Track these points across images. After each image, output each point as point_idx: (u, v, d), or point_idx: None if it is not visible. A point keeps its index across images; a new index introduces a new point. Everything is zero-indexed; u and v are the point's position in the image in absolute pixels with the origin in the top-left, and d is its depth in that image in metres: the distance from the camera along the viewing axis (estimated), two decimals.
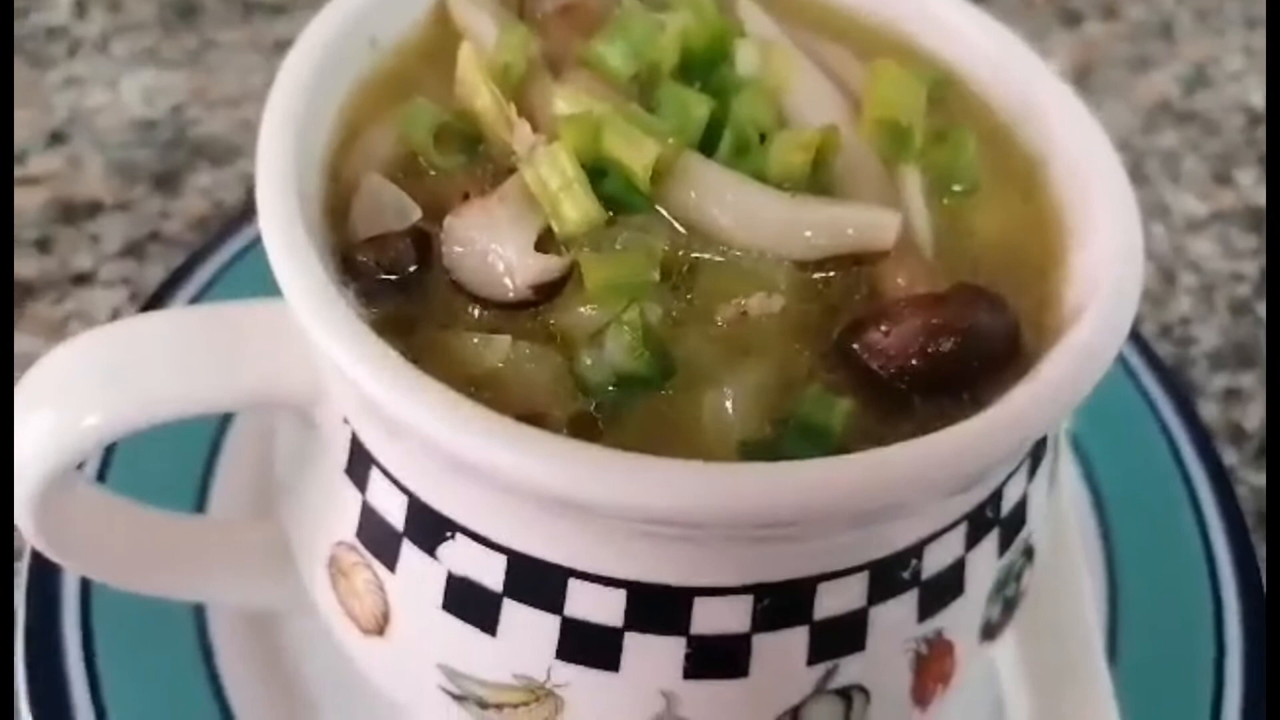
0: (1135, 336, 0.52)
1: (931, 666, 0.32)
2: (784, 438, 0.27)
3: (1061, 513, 0.41)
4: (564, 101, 0.30)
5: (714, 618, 0.28)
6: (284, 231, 0.27)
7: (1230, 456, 0.54)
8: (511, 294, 0.27)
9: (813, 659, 0.29)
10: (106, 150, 0.61)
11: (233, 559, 0.37)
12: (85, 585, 0.39)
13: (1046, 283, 0.31)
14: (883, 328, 0.28)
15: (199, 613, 0.40)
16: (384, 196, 0.29)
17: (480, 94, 0.31)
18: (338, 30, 0.33)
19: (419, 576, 0.30)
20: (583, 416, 0.27)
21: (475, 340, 0.27)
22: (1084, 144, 0.33)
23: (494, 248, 0.28)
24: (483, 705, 0.31)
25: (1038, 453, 0.32)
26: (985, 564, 0.31)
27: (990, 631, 0.34)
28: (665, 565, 0.27)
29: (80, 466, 0.36)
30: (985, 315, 0.28)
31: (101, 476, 0.41)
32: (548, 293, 0.28)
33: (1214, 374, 0.57)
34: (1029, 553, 0.34)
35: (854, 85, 0.34)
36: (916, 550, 0.29)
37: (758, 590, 0.28)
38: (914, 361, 0.28)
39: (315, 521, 0.33)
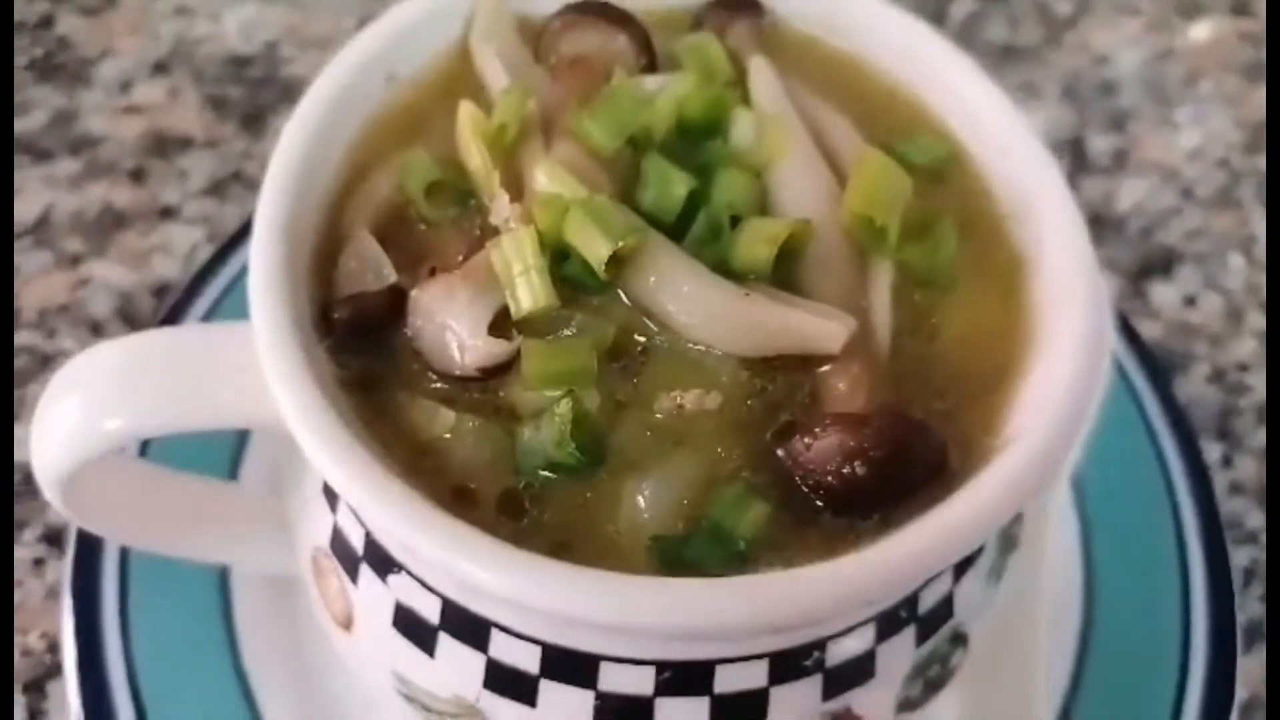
0: (1158, 376, 0.51)
1: None
2: (692, 538, 0.29)
3: (1029, 591, 0.41)
4: (544, 177, 0.31)
5: (620, 680, 0.31)
6: (265, 288, 0.30)
7: (1255, 519, 0.53)
8: (459, 370, 0.30)
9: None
10: (203, 84, 0.65)
11: (253, 527, 0.41)
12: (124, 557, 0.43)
13: (996, 395, 0.32)
14: (806, 439, 0.29)
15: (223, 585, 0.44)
16: (367, 254, 0.31)
17: (472, 155, 0.33)
18: (356, 67, 0.35)
19: (375, 595, 0.33)
20: (511, 494, 0.29)
21: (425, 407, 0.30)
22: (1071, 252, 0.33)
23: (450, 323, 0.30)
24: (427, 709, 0.35)
25: (972, 556, 0.33)
26: (900, 654, 0.33)
27: (910, 705, 0.35)
28: (575, 635, 0.30)
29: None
30: (906, 442, 0.29)
31: (143, 450, 0.45)
32: (493, 373, 0.30)
33: (1258, 429, 0.56)
34: (959, 639, 0.35)
35: (849, 162, 0.35)
36: (819, 645, 0.31)
37: (659, 664, 0.30)
38: (829, 478, 0.29)
39: (303, 522, 0.36)
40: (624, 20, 0.36)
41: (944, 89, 0.37)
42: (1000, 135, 0.35)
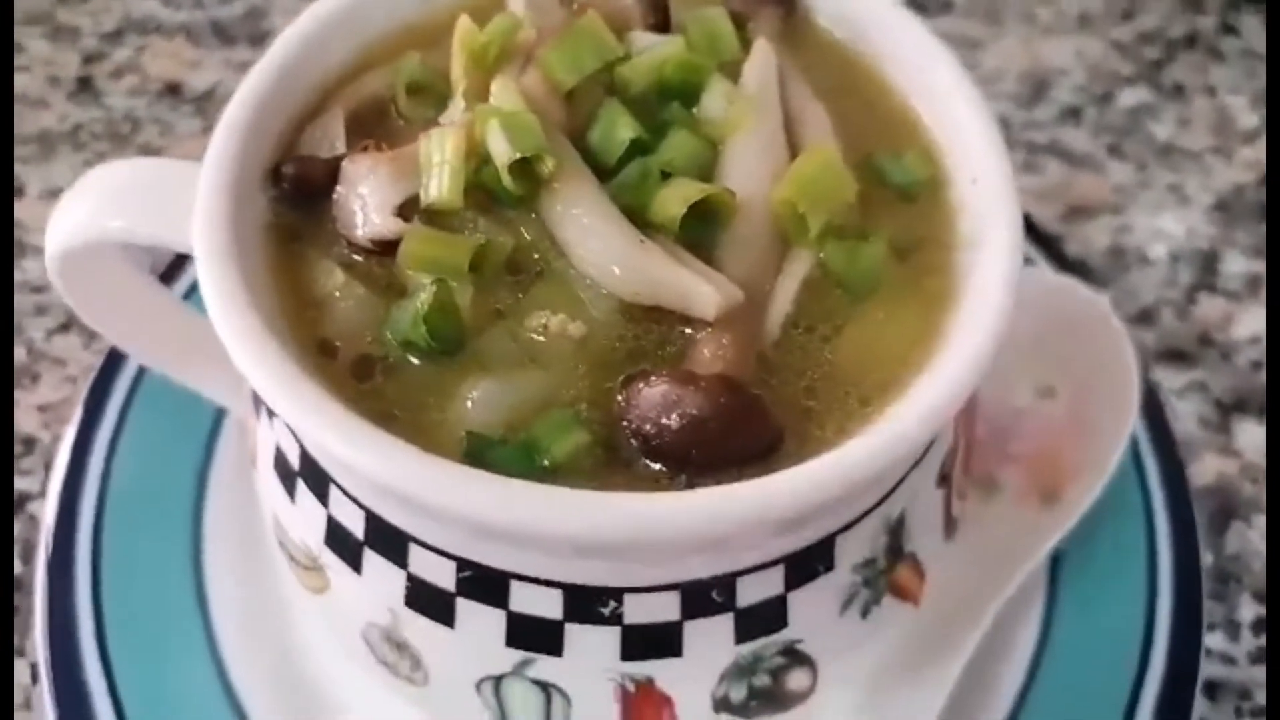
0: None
1: (644, 709, 0.34)
2: (504, 443, 0.30)
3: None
4: (495, 90, 0.33)
5: (424, 564, 0.32)
6: (227, 132, 0.33)
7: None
8: (358, 239, 0.32)
9: (510, 642, 0.33)
10: None
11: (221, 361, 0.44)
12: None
13: (869, 409, 0.31)
14: (640, 384, 0.29)
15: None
16: (331, 128, 0.34)
17: (455, 64, 0.35)
18: None
19: (309, 507, 0.35)
20: (366, 359, 0.31)
21: (325, 266, 0.32)
22: (993, 292, 0.31)
23: (364, 195, 0.32)
24: (291, 559, 0.37)
25: (806, 565, 0.32)
26: (712, 642, 0.32)
27: (732, 710, 0.35)
28: (389, 508, 0.31)
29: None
30: (732, 411, 0.29)
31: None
32: (387, 249, 0.32)
33: None
34: (800, 659, 0.34)
35: None
36: (618, 595, 0.31)
37: (460, 561, 0.31)
38: (646, 425, 0.29)
39: None
40: None
41: (951, 123, 0.36)
42: (975, 161, 0.34)
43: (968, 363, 0.30)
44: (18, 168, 0.63)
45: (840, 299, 0.33)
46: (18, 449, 0.52)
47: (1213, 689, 0.50)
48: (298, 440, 0.33)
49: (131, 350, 0.43)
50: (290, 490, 0.35)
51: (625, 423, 0.30)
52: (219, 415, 0.47)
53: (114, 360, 0.48)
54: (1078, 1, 0.73)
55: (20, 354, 0.56)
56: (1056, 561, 0.46)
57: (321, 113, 0.36)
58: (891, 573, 0.35)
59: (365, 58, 0.37)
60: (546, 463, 0.29)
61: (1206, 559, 0.52)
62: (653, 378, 0.29)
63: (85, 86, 0.67)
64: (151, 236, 0.36)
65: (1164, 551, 0.44)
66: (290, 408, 0.29)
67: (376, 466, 0.28)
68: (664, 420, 0.29)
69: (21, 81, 0.67)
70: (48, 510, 0.46)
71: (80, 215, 0.36)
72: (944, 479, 0.36)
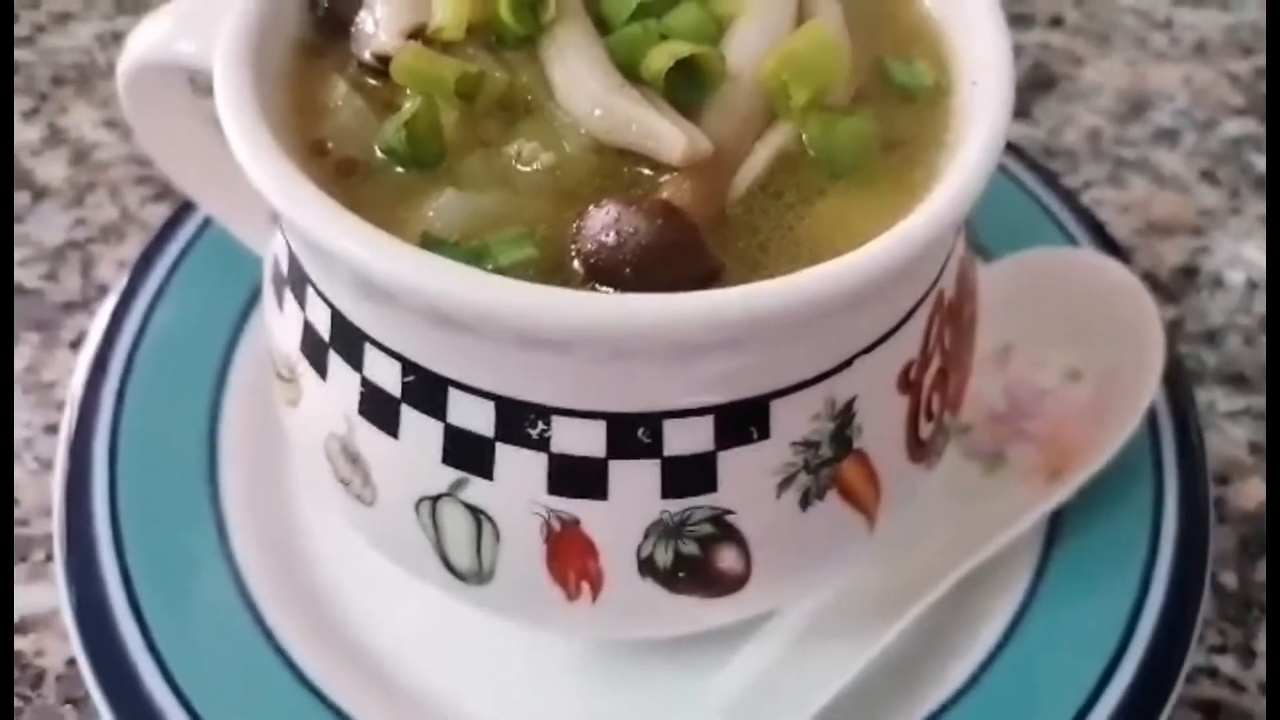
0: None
1: (569, 552, 0.34)
2: (454, 246, 0.31)
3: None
4: None
5: (375, 368, 0.33)
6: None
7: None
8: (364, 55, 0.34)
9: (446, 459, 0.34)
10: None
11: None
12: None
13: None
14: (591, 207, 0.30)
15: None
16: None
17: None
18: None
19: (291, 313, 0.37)
20: (351, 160, 0.33)
21: (332, 78, 0.35)
22: (959, 188, 0.31)
23: (378, 15, 0.34)
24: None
25: (738, 423, 0.32)
26: (637, 488, 0.33)
27: (659, 576, 0.35)
28: (429, 352, 0.32)
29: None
30: (670, 234, 0.29)
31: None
32: (387, 67, 0.34)
33: None
34: (728, 532, 0.34)
35: None
36: (544, 413, 0.32)
37: (406, 364, 0.33)
38: (587, 243, 0.30)
39: None
40: None
41: (964, 28, 0.36)
42: (980, 68, 0.34)
43: (927, 222, 0.30)
44: None
45: (815, 174, 0.33)
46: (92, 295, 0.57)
47: (1214, 711, 0.47)
48: (288, 245, 0.36)
49: (180, 180, 0.46)
50: (280, 299, 0.37)
51: (573, 244, 0.31)
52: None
53: (165, 232, 0.53)
54: (1196, 32, 0.71)
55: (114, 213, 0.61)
56: (1054, 526, 0.45)
57: None
58: (837, 466, 0.35)
59: None
60: (490, 268, 0.30)
61: (1231, 581, 0.50)
62: (605, 201, 0.30)
63: None
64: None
65: (1169, 516, 0.44)
66: (264, 178, 0.31)
67: (339, 240, 0.29)
68: (603, 238, 0.30)
69: None
70: (82, 357, 0.50)
71: (155, 36, 0.40)
72: (907, 385, 0.35)
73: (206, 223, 0.52)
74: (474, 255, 0.31)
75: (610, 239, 0.29)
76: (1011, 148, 0.58)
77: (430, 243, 0.31)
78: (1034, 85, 0.69)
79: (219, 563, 0.45)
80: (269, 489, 0.47)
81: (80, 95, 0.65)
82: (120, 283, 0.51)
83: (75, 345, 0.55)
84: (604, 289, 0.30)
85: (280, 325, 0.37)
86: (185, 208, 0.53)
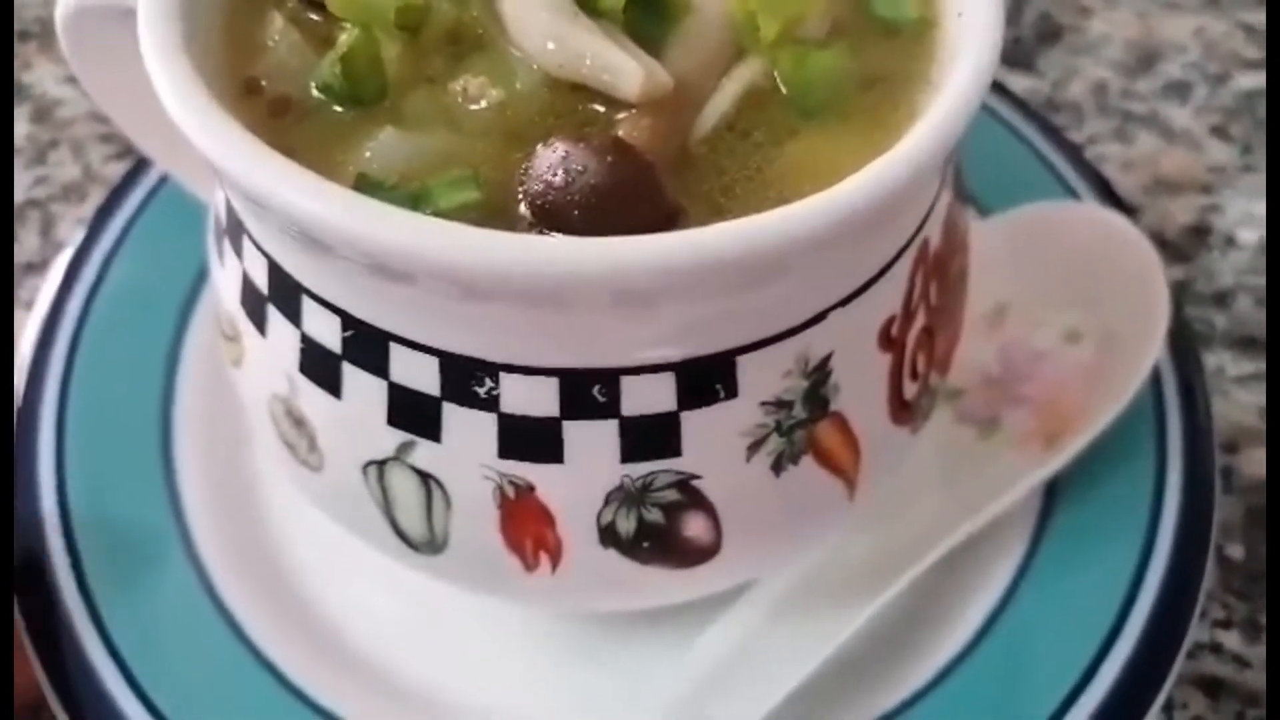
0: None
1: (524, 520, 0.32)
2: (396, 188, 0.29)
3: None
4: None
5: (315, 326, 0.31)
6: None
7: None
8: None
9: (391, 420, 0.31)
10: None
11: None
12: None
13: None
14: (539, 145, 0.28)
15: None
16: None
17: None
18: None
19: (231, 266, 0.34)
20: (285, 98, 0.31)
21: (272, 15, 0.32)
22: (938, 128, 0.29)
23: None
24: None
25: (702, 381, 0.30)
26: (594, 452, 0.30)
27: (619, 542, 0.32)
28: (367, 305, 0.30)
29: None
30: (621, 172, 0.27)
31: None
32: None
33: None
34: (694, 500, 0.32)
35: None
36: (492, 371, 0.29)
37: (343, 318, 0.30)
38: (534, 184, 0.28)
39: None
40: None
41: None
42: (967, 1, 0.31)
43: (903, 160, 0.27)
44: None
45: (786, 113, 0.31)
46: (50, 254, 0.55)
47: (1217, 688, 0.45)
48: (225, 196, 0.33)
49: (130, 131, 0.44)
50: (220, 251, 0.35)
51: (519, 186, 0.28)
52: None
53: (123, 186, 0.50)
54: None
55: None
56: (1050, 495, 0.43)
57: None
58: (813, 428, 0.32)
59: None
60: (430, 212, 0.28)
61: (1238, 553, 0.47)
62: (553, 139, 0.28)
63: None
64: None
65: (1173, 486, 0.42)
66: (185, 115, 0.28)
67: (266, 183, 0.27)
68: (549, 178, 0.27)
69: None
70: (34, 312, 0.48)
71: None
72: (889, 342, 0.33)
73: (165, 177, 0.50)
74: (412, 199, 0.28)
75: (557, 179, 0.27)
76: (1014, 100, 0.55)
77: (366, 185, 0.29)
78: (1040, 36, 0.66)
79: (175, 545, 0.43)
80: (227, 460, 0.45)
81: (42, 51, 0.63)
82: (76, 238, 0.49)
83: (32, 306, 0.53)
84: (552, 234, 0.28)
85: (222, 279, 0.35)
86: (145, 162, 0.51)
